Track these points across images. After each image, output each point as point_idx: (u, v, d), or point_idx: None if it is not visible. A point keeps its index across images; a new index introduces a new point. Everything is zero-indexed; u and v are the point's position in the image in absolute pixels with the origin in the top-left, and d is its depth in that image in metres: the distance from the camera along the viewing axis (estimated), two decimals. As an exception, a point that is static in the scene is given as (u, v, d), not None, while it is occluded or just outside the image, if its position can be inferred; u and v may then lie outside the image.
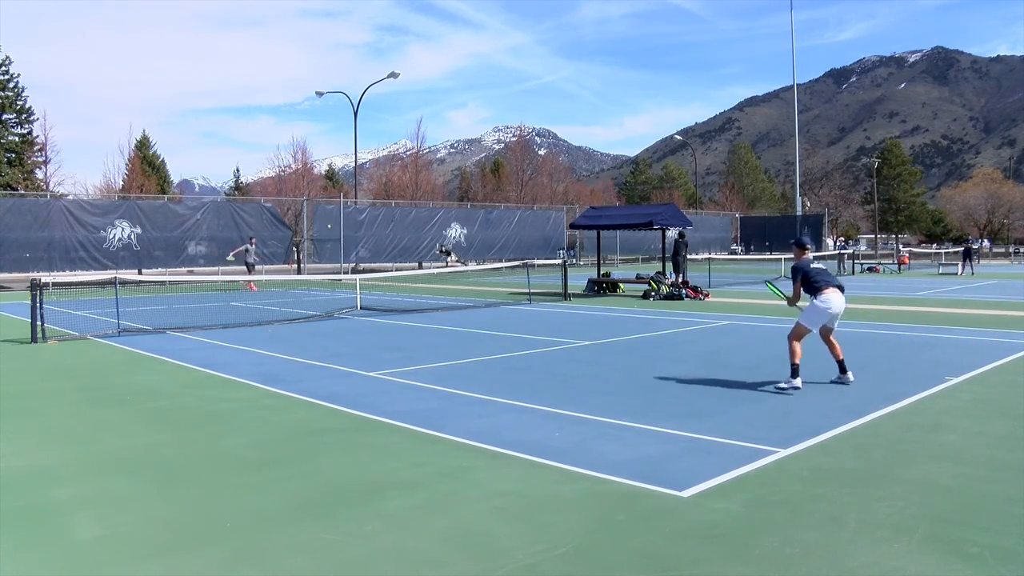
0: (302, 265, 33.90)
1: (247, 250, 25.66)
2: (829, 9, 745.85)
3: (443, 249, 37.73)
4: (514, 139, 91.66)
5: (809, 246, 8.33)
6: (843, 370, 7.88)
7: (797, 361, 7.54)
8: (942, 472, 4.97)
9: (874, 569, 3.53)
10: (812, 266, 7.97)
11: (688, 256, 21.67)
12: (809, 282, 7.85)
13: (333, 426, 6.42)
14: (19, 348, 11.43)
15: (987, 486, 4.68)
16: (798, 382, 7.47)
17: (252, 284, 24.66)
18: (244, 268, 25.81)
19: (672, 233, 24.12)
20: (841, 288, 7.84)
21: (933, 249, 50.94)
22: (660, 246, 24.94)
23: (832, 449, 5.52)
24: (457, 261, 36.86)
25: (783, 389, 7.46)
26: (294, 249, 34.53)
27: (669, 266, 21.42)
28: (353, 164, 42.69)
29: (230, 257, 27.43)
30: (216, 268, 30.83)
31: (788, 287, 8.31)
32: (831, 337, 7.95)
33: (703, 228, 52.08)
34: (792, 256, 8.32)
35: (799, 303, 8.09)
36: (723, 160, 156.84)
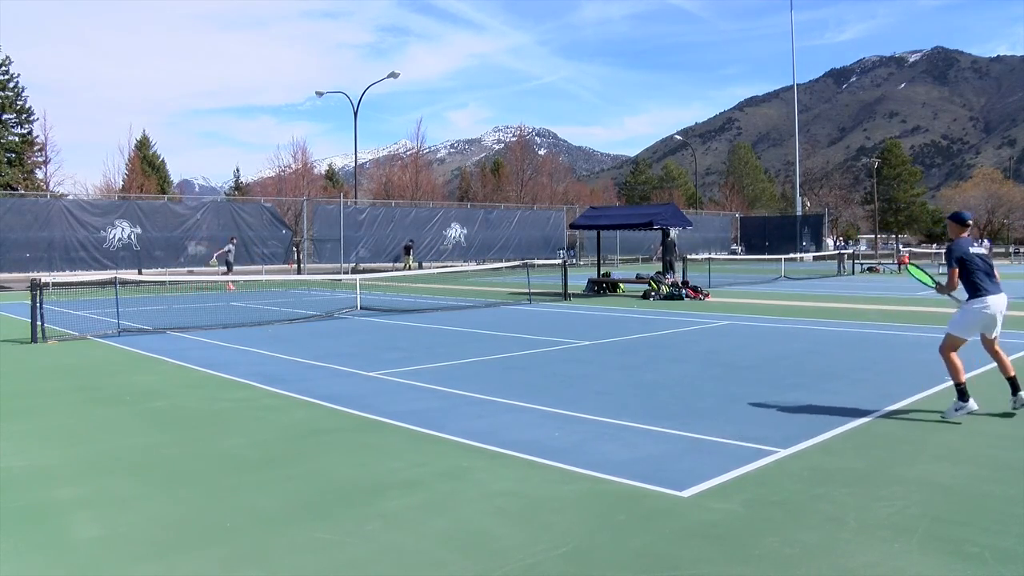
0: (302, 265, 33.89)
1: (229, 250, 26.23)
2: (829, 9, 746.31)
3: (405, 247, 37.23)
4: (514, 139, 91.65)
5: (969, 222, 6.72)
6: (1015, 389, 6.47)
7: (962, 379, 6.26)
8: (942, 472, 4.97)
9: (874, 569, 3.53)
10: (972, 250, 6.42)
11: (677, 256, 21.86)
12: (967, 274, 6.39)
13: (333, 426, 6.42)
14: (19, 348, 11.43)
15: (987, 486, 4.68)
16: (972, 404, 6.21)
17: (231, 284, 25.07)
18: (224, 268, 26.24)
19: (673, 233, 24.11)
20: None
21: (933, 249, 50.93)
22: (661, 245, 24.97)
23: (832, 449, 5.52)
24: (411, 265, 36.35)
25: (955, 413, 6.24)
26: (294, 249, 34.54)
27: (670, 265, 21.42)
28: (353, 164, 42.69)
29: (213, 261, 27.37)
30: (216, 268, 30.81)
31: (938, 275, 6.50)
32: (995, 347, 6.51)
33: (703, 228, 52.09)
34: (947, 236, 6.66)
35: (954, 294, 6.52)
36: (723, 160, 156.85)
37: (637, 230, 29.05)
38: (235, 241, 27.44)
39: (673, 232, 22.60)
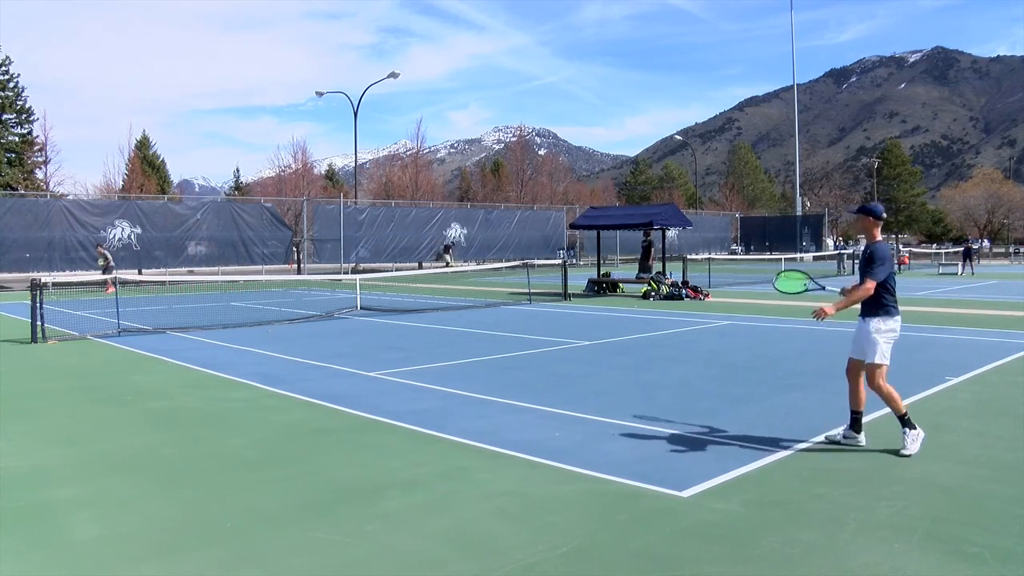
0: (302, 265, 33.89)
1: (100, 255, 25.82)
2: (829, 10, 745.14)
3: (445, 246, 37.99)
4: (514, 139, 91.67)
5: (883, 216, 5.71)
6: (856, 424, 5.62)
7: (902, 409, 5.39)
8: (942, 472, 4.97)
9: (874, 569, 3.53)
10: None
11: (654, 261, 22.38)
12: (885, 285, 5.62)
13: (333, 426, 6.42)
14: (19, 348, 11.43)
15: (987, 486, 4.68)
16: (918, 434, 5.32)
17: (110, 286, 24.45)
18: (103, 271, 25.25)
19: (671, 233, 24.21)
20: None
21: (933, 249, 50.92)
22: (661, 246, 25.03)
23: (832, 449, 5.52)
24: (451, 263, 37.13)
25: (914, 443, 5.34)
26: (294, 249, 34.55)
27: (670, 266, 21.46)
28: (353, 164, 42.70)
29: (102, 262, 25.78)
30: (216, 268, 30.84)
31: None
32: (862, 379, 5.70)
33: (703, 228, 52.09)
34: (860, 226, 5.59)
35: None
36: (723, 160, 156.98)
37: (637, 230, 29.08)
38: (101, 248, 26.36)
39: (672, 231, 22.70)
